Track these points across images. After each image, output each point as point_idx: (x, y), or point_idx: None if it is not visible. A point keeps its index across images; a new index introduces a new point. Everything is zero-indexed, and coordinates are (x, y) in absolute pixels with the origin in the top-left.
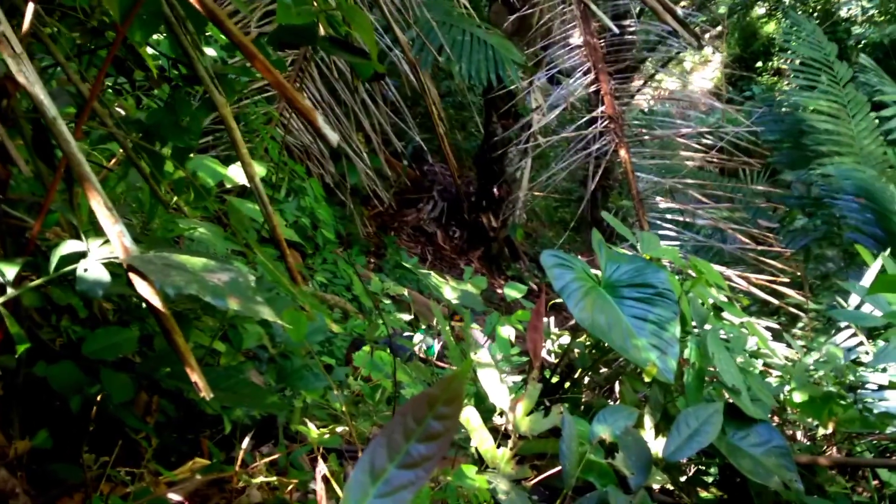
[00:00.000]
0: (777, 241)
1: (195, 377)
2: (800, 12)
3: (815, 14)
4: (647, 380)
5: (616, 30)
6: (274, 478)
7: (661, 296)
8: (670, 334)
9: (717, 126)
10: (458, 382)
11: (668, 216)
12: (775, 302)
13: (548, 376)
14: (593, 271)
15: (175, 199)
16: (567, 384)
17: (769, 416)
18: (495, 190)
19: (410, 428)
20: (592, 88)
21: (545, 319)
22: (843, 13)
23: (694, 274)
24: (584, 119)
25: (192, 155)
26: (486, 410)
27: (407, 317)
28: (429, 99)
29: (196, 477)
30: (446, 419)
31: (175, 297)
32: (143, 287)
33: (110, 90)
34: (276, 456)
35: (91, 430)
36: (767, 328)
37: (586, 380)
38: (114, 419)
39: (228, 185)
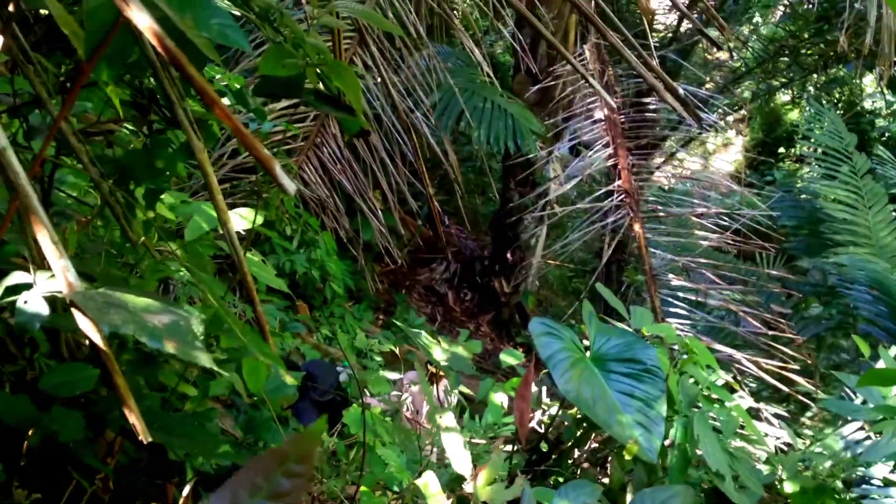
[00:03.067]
0: (789, 327)
1: (132, 418)
2: (824, 102)
3: (840, 104)
4: (627, 457)
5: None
6: None
7: (649, 372)
8: (656, 413)
9: (733, 208)
10: (311, 440)
11: (681, 294)
12: (785, 389)
13: (536, 447)
14: (586, 342)
15: (142, 239)
16: (555, 457)
17: None
18: (509, 255)
19: (257, 485)
20: (610, 162)
21: (536, 389)
22: (868, 105)
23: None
24: (601, 191)
25: (190, 199)
26: (454, 478)
27: (395, 375)
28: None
29: None
30: (296, 477)
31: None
32: (84, 323)
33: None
34: None
35: (41, 466)
36: (776, 415)
37: (577, 453)
38: (74, 458)
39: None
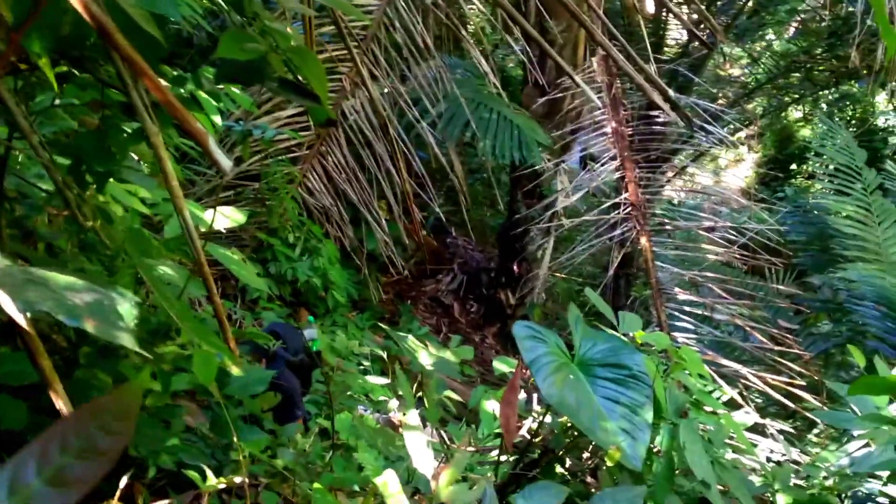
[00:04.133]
0: (797, 343)
1: (59, 403)
2: (836, 118)
3: (852, 121)
4: (609, 464)
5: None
6: None
7: (635, 378)
8: (642, 419)
9: (741, 223)
10: (131, 395)
11: (687, 308)
12: (791, 405)
13: (524, 454)
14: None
15: (91, 224)
16: (543, 464)
17: None
18: (515, 267)
19: (69, 442)
20: (618, 175)
21: (525, 396)
22: (881, 122)
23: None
24: (608, 204)
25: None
26: (423, 480)
27: (381, 380)
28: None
29: None
30: (115, 435)
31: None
32: (6, 301)
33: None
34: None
35: None
36: (781, 431)
37: (568, 462)
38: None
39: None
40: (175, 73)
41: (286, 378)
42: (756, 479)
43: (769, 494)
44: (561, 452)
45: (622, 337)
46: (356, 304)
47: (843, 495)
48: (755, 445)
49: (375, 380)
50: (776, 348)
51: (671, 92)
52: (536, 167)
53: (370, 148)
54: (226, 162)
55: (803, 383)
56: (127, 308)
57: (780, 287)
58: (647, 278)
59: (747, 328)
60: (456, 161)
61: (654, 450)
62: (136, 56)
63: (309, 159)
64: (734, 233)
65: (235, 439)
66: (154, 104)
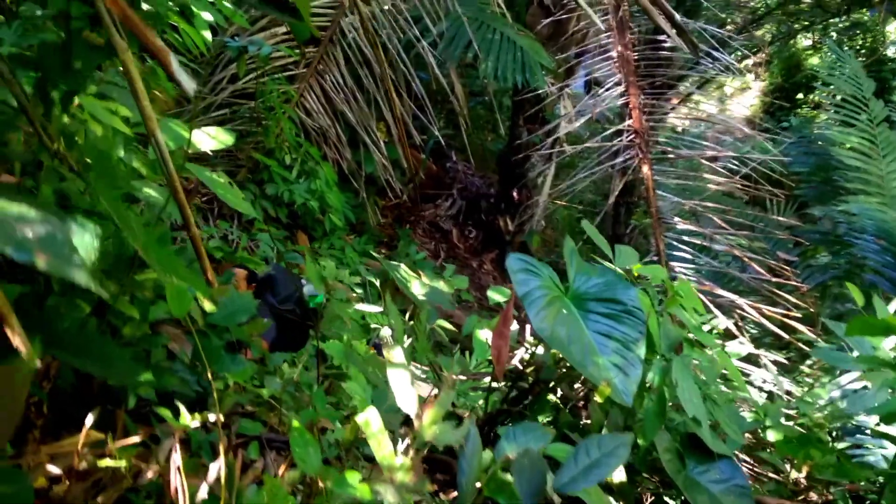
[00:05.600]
0: (795, 275)
1: (15, 339)
2: (845, 47)
3: (862, 51)
4: (599, 400)
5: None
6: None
7: (629, 313)
8: (634, 355)
9: (744, 152)
10: (19, 376)
11: (686, 238)
12: (786, 336)
13: (515, 385)
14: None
15: (55, 145)
16: (534, 394)
17: (741, 452)
18: (515, 193)
19: None
20: (622, 101)
21: (518, 326)
22: (890, 52)
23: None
24: (611, 130)
25: (158, 118)
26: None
27: (373, 308)
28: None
29: (80, 450)
30: None
31: None
32: None
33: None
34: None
35: None
36: (775, 362)
37: (559, 392)
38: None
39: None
40: None
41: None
42: (748, 415)
43: (760, 430)
44: (552, 384)
45: (618, 270)
46: (354, 228)
47: (834, 432)
48: (748, 375)
49: (367, 307)
50: (773, 280)
51: (678, 16)
52: (539, 91)
53: (369, 67)
54: (189, 84)
55: (799, 315)
56: (86, 240)
57: (781, 219)
58: (647, 207)
59: (745, 259)
60: (457, 83)
61: (647, 384)
62: None
63: (306, 78)
64: (737, 163)
65: (212, 372)
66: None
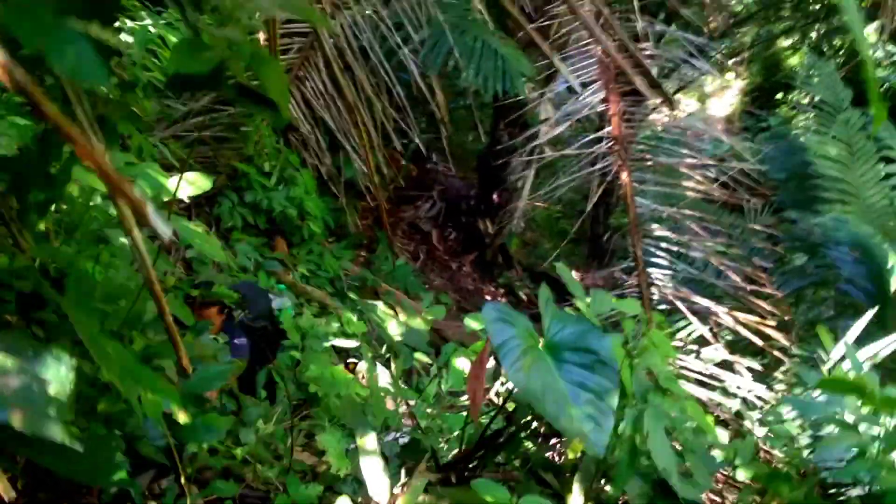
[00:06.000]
0: (770, 282)
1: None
2: (825, 49)
3: (841, 52)
4: (571, 455)
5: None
6: None
7: (602, 363)
8: (607, 405)
9: (722, 160)
10: None
11: (664, 245)
12: (760, 343)
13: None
14: None
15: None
16: (509, 431)
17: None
18: (495, 196)
19: None
20: (602, 107)
21: (494, 363)
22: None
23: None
24: (590, 137)
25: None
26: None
27: (350, 343)
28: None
29: None
30: None
31: None
32: None
33: None
34: None
35: None
36: (749, 368)
37: (535, 424)
38: None
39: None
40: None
41: (241, 346)
42: (718, 454)
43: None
44: (524, 422)
45: (592, 319)
46: (333, 232)
47: (807, 467)
48: (723, 381)
49: (344, 342)
50: (749, 288)
51: (653, 72)
52: (521, 97)
53: (350, 73)
54: (165, 230)
55: (772, 324)
56: (62, 372)
57: (757, 227)
58: (625, 211)
59: (721, 266)
60: (438, 91)
61: (618, 433)
62: (64, 123)
63: (288, 83)
64: (714, 170)
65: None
66: (100, 118)
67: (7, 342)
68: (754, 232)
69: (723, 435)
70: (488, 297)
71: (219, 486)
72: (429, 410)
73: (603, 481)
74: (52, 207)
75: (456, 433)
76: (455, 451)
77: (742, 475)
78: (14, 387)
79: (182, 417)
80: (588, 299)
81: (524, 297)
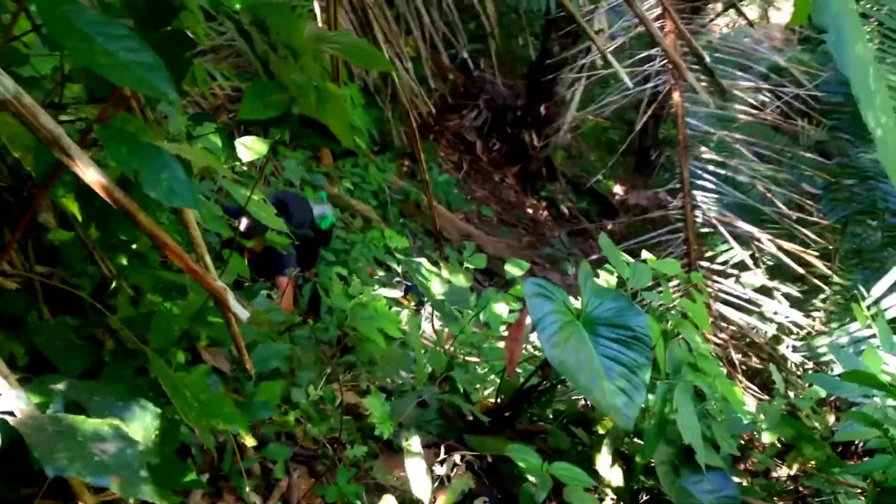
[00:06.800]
0: (816, 209)
1: None
2: None
3: None
4: (601, 432)
5: None
6: None
7: (637, 340)
8: (639, 379)
9: (777, 82)
10: None
11: (711, 168)
12: (800, 270)
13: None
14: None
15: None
16: (543, 389)
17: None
18: (543, 109)
19: None
20: (658, 24)
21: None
22: None
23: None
24: (644, 54)
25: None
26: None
27: (394, 293)
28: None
29: None
30: None
31: None
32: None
33: None
34: None
35: None
36: (786, 295)
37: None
38: None
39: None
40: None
41: (289, 256)
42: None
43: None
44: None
45: (627, 296)
46: (377, 144)
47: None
48: (760, 306)
49: (388, 292)
50: (795, 215)
51: (707, 58)
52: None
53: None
54: (244, 314)
55: (815, 253)
56: (148, 421)
57: (805, 154)
58: (675, 132)
59: (768, 193)
60: (489, 1)
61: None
62: (158, 231)
63: None
64: (768, 93)
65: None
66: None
67: (101, 394)
68: (804, 157)
69: (750, 405)
70: (530, 210)
71: (272, 449)
72: (467, 358)
73: (630, 444)
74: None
75: (492, 377)
76: (491, 401)
77: (767, 438)
78: (111, 453)
79: (249, 441)
80: (627, 271)
81: (566, 210)
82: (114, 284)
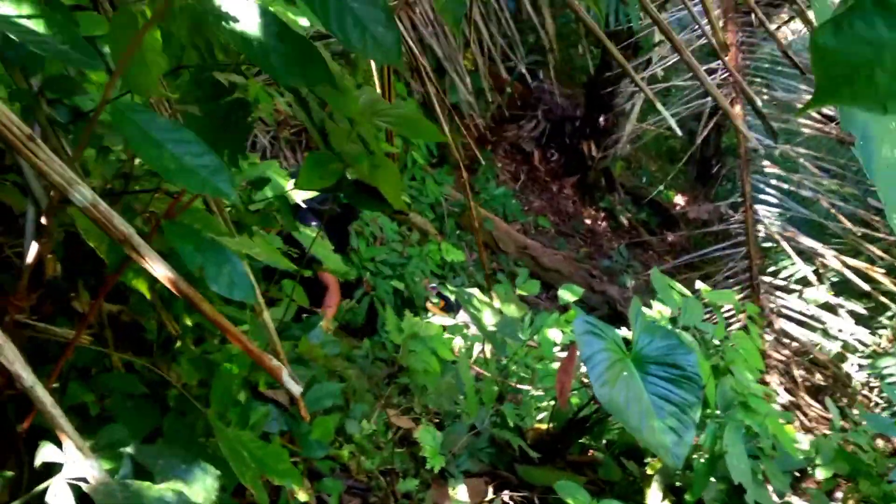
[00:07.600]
0: (884, 224)
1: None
2: None
3: None
4: (649, 472)
5: None
6: None
7: (687, 379)
8: (689, 418)
9: None
10: None
11: (773, 182)
12: (865, 287)
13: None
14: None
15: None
16: (590, 422)
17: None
18: (602, 120)
19: None
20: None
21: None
22: None
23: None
24: (705, 67)
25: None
26: None
27: (448, 320)
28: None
29: None
30: None
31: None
32: None
33: None
34: None
35: None
36: (851, 312)
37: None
38: None
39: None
40: None
41: (307, 220)
42: (803, 445)
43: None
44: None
45: (681, 334)
46: (433, 156)
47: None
48: (824, 323)
49: (442, 320)
50: (860, 231)
51: (758, 102)
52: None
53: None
54: (296, 389)
55: (882, 270)
56: (208, 483)
57: None
58: (736, 147)
59: (832, 209)
60: (547, 15)
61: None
62: (221, 319)
63: (396, 10)
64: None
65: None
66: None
67: (165, 457)
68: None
69: (803, 442)
70: (588, 221)
71: (327, 483)
72: (518, 385)
73: (683, 477)
74: None
75: (544, 402)
76: (543, 427)
77: (820, 474)
78: None
79: (303, 496)
80: (679, 306)
81: (625, 221)
82: (178, 344)
